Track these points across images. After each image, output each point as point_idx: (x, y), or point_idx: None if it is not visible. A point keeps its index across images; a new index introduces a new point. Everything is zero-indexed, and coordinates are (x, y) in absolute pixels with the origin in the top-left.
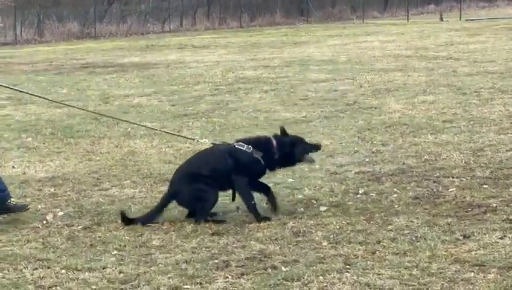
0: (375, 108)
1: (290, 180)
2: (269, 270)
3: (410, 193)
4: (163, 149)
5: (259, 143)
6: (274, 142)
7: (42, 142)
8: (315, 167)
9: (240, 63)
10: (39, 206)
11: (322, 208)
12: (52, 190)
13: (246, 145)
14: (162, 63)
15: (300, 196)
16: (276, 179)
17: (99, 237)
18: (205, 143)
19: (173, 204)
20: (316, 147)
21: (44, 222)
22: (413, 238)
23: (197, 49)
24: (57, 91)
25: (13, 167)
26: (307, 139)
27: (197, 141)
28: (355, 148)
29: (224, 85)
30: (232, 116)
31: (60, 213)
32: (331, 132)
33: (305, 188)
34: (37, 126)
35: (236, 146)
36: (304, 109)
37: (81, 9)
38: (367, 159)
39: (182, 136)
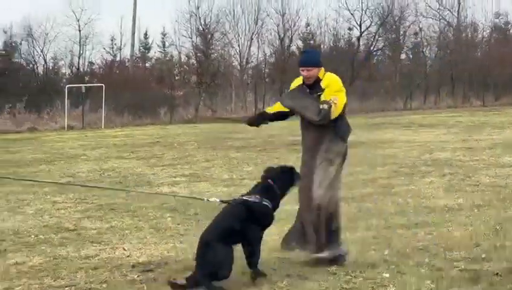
0: None
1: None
2: None
3: None
4: None
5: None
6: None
7: (177, 223)
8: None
9: (447, 143)
10: None
11: None
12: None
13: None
14: (371, 142)
15: None
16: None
17: None
18: (215, 201)
19: None
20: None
21: None
22: None
23: (420, 128)
24: (241, 169)
25: (124, 249)
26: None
27: (207, 200)
28: (479, 242)
29: (407, 167)
30: (385, 201)
31: None
32: (470, 223)
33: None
34: (189, 205)
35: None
36: (464, 196)
37: None
38: (483, 256)
39: (192, 197)
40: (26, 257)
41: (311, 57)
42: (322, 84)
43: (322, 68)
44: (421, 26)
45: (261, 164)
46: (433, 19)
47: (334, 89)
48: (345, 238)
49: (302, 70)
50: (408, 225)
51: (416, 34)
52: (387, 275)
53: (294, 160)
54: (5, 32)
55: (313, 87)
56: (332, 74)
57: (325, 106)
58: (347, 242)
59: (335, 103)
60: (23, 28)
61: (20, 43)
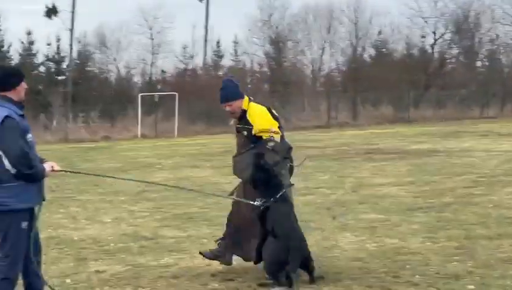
0: None
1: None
2: None
3: None
4: None
5: None
6: None
7: None
8: None
9: None
10: None
11: None
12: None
13: None
14: (448, 151)
15: None
16: None
17: None
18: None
19: None
20: None
21: None
22: None
23: (499, 137)
24: (316, 177)
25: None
26: None
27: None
28: None
29: (487, 177)
30: (465, 211)
31: None
32: None
33: None
34: None
35: None
36: None
37: (396, 94)
38: None
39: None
40: (106, 265)
41: (228, 92)
42: (248, 118)
43: (245, 97)
44: (497, 32)
45: (336, 173)
46: (510, 25)
47: (262, 126)
48: (426, 248)
49: (225, 107)
50: (491, 236)
51: (492, 40)
52: (472, 286)
53: (370, 168)
54: (79, 41)
55: (241, 121)
56: (255, 105)
57: (271, 143)
58: (428, 252)
59: (275, 132)
60: (96, 37)
61: (94, 52)
